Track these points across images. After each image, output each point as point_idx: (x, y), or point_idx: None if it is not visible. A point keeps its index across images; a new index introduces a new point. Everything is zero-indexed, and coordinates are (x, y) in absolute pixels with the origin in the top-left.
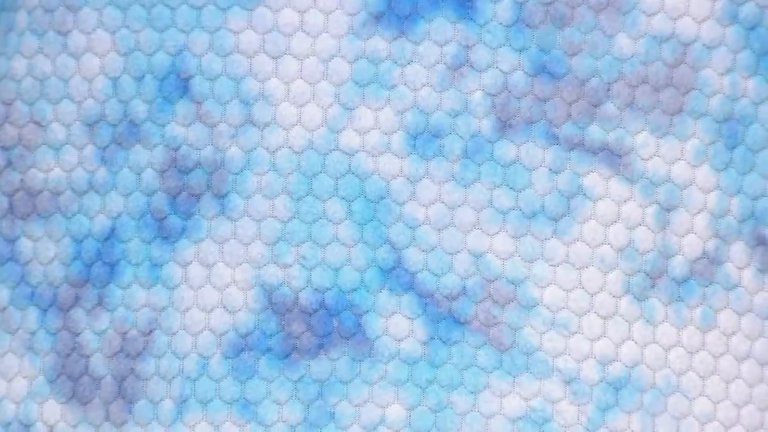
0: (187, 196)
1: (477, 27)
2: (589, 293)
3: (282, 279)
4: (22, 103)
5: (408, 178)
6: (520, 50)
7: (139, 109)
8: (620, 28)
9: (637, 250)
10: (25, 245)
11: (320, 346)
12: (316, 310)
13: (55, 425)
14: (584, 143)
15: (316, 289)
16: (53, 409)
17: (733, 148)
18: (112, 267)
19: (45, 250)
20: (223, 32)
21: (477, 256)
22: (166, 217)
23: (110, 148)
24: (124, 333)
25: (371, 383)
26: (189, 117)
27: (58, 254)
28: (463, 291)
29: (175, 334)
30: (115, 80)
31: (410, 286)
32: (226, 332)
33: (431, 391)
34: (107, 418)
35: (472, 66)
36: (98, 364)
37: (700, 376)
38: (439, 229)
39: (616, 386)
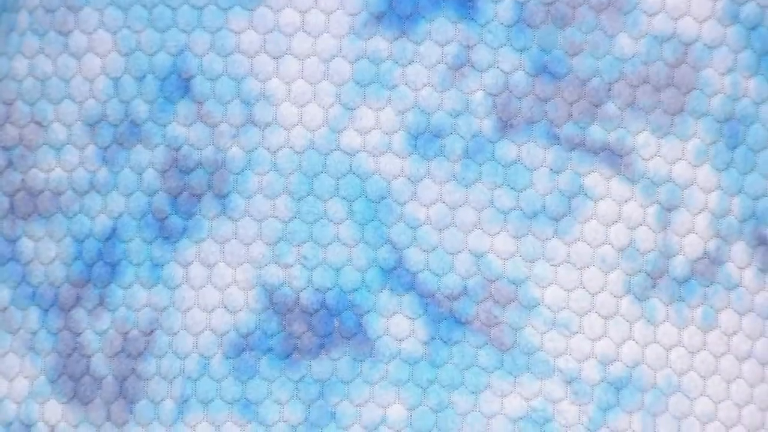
0: (188, 196)
1: (478, 27)
2: (590, 293)
3: (283, 279)
4: (23, 103)
5: (409, 178)
6: (521, 50)
7: (141, 109)
8: (621, 28)
9: (638, 250)
10: (26, 245)
11: (321, 346)
12: (317, 310)
13: (57, 425)
14: (585, 143)
15: (317, 289)
16: (54, 409)
17: (734, 148)
18: (114, 267)
19: (46, 250)
20: (224, 32)
21: (478, 256)
22: (167, 217)
23: (111, 148)
24: (125, 333)
25: (372, 383)
26: (190, 117)
27: (60, 254)
28: (464, 291)
29: (176, 334)
30: (116, 80)
31: (411, 286)
32: (227, 332)
33: (432, 391)
34: (108, 418)
35: (473, 66)
36: (99, 364)
37: (701, 376)
38: (440, 229)
39: (617, 386)
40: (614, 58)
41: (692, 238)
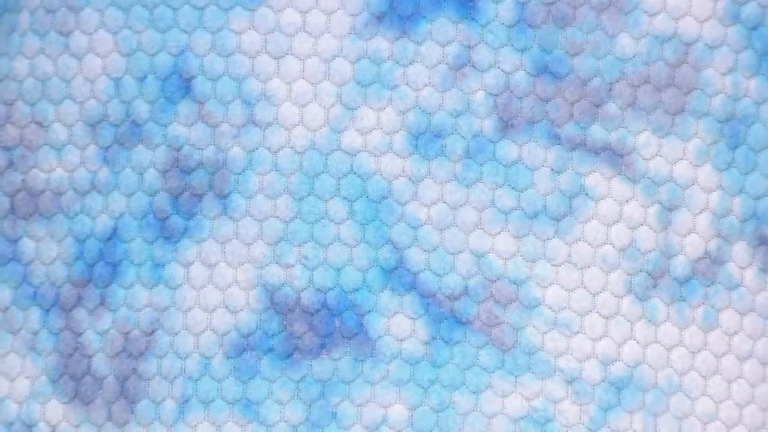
0: (189, 196)
1: (479, 27)
2: (591, 293)
3: (284, 279)
4: (23, 104)
5: (410, 178)
6: (522, 50)
7: (142, 109)
8: (622, 28)
9: (639, 249)
10: (27, 245)
11: (322, 346)
12: (318, 310)
13: (58, 425)
14: (586, 143)
15: (318, 289)
16: (55, 409)
17: (735, 147)
18: (115, 267)
19: (47, 250)
20: (225, 32)
21: (479, 256)
22: (168, 217)
23: (112, 149)
24: (127, 333)
25: (373, 383)
26: (191, 117)
27: (61, 254)
28: (465, 291)
29: (177, 334)
30: (117, 81)
31: (412, 286)
32: (228, 332)
33: (433, 391)
34: (109, 418)
35: (474, 66)
36: (100, 364)
37: (702, 376)
38: (441, 229)
39: (618, 386)
40: (615, 58)
41: (693, 238)
